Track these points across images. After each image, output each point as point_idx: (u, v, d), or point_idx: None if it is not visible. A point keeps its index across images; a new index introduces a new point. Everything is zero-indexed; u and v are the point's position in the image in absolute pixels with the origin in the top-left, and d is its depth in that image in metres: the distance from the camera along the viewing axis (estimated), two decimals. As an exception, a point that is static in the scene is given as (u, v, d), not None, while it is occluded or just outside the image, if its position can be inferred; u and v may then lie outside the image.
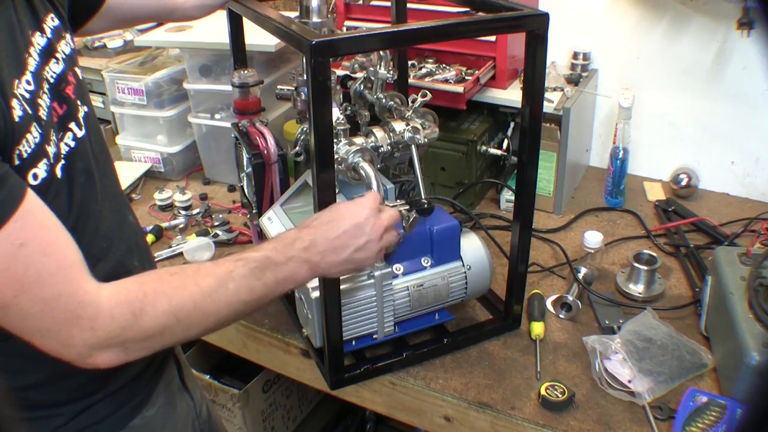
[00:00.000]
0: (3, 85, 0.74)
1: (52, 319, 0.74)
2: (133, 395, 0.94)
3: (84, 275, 0.76)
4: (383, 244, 0.94)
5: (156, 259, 1.43)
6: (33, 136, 0.76)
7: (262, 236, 1.30)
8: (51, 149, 0.79)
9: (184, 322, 0.80)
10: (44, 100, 0.80)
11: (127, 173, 1.77)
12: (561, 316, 1.27)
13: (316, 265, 0.89)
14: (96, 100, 1.99)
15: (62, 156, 0.82)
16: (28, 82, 0.78)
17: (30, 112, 0.77)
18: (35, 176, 0.77)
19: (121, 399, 0.92)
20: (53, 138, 0.80)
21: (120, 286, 0.78)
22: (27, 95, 0.77)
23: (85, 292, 0.75)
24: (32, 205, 0.72)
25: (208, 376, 1.66)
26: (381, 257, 0.98)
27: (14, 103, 0.74)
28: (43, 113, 0.79)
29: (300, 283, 0.91)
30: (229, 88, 1.36)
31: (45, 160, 0.78)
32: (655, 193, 1.66)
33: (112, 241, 0.91)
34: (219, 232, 1.53)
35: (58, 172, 0.81)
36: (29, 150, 0.75)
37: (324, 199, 0.95)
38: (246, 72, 1.29)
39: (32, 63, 0.81)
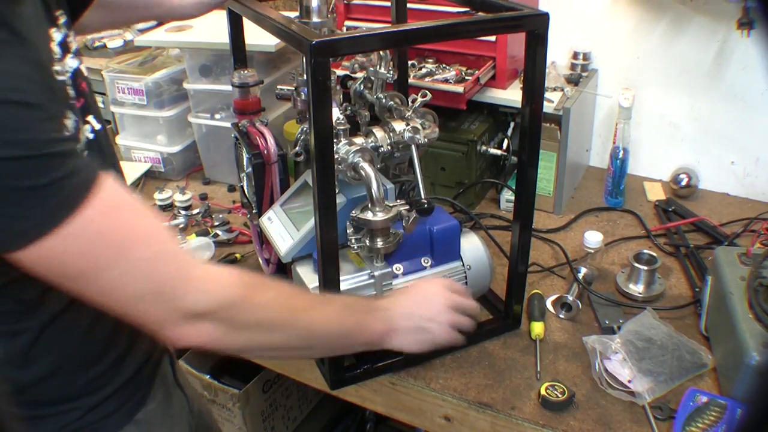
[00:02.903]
0: (45, 67, 0.75)
1: (156, 280, 0.73)
2: (137, 389, 0.95)
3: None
4: (453, 318, 1.01)
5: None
6: (71, 118, 0.77)
7: (262, 236, 1.30)
8: (81, 135, 0.81)
9: (278, 327, 0.85)
10: (70, 90, 0.82)
11: (127, 173, 1.76)
12: (561, 316, 1.27)
13: (391, 328, 0.96)
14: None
15: (84, 146, 0.83)
16: (57, 72, 0.80)
17: (65, 95, 0.78)
18: None
19: (127, 393, 0.93)
20: (80, 125, 0.82)
21: (225, 269, 0.80)
22: (59, 81, 0.79)
23: (186, 255, 0.76)
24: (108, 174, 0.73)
25: (208, 376, 1.66)
26: (453, 336, 1.03)
27: (55, 83, 0.76)
28: (72, 101, 0.81)
29: (371, 340, 0.96)
30: (229, 88, 1.36)
31: (79, 145, 0.79)
32: (655, 193, 1.66)
33: None
34: (219, 232, 1.53)
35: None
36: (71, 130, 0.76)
37: (324, 199, 0.95)
38: (246, 72, 1.29)
39: (55, 56, 0.82)
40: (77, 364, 0.86)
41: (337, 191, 0.98)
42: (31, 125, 0.67)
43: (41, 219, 0.66)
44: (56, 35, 0.84)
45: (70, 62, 0.86)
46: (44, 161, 0.66)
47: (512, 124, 1.66)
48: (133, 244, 0.72)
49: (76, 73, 0.86)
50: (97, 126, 0.89)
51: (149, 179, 1.83)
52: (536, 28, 1.00)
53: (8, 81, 0.66)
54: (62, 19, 0.88)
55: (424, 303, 0.99)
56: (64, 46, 0.85)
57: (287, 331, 0.86)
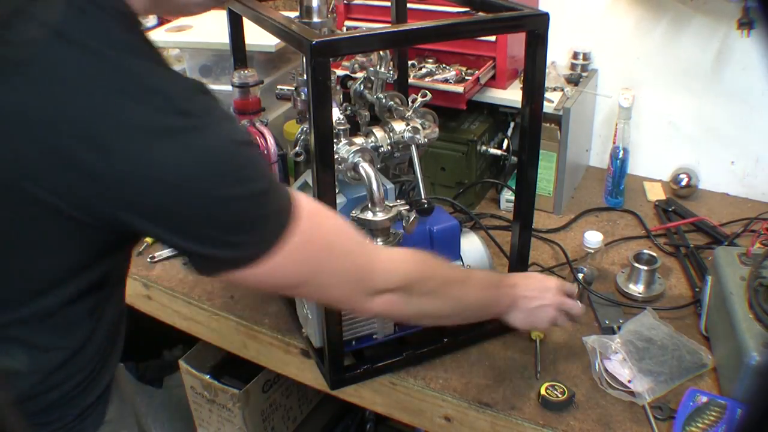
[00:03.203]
0: None
1: (353, 269, 0.84)
2: (105, 395, 0.96)
3: None
4: (557, 317, 1.09)
5: (156, 259, 1.45)
6: None
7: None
8: None
9: (441, 297, 0.96)
10: None
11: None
12: (561, 316, 1.26)
13: (513, 303, 1.05)
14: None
15: None
16: None
17: None
18: None
19: (102, 398, 0.94)
20: None
21: (402, 250, 0.97)
22: None
23: (369, 241, 0.89)
24: None
25: (208, 376, 1.66)
26: (549, 326, 1.12)
27: None
28: None
29: (497, 312, 1.06)
30: (229, 88, 1.36)
31: None
32: (655, 193, 1.66)
33: None
34: (219, 232, 1.53)
35: None
36: None
37: (324, 199, 0.95)
38: (246, 72, 1.29)
39: None
40: (80, 378, 0.87)
41: (337, 191, 0.98)
42: (260, 160, 0.77)
43: (272, 240, 0.74)
44: None
45: None
46: (275, 189, 0.75)
47: (512, 124, 1.66)
48: (335, 243, 0.82)
49: None
50: None
51: (149, 179, 1.82)
52: (536, 28, 1.00)
53: (237, 123, 0.74)
54: None
55: (541, 292, 1.08)
56: None
57: (446, 301, 0.98)
